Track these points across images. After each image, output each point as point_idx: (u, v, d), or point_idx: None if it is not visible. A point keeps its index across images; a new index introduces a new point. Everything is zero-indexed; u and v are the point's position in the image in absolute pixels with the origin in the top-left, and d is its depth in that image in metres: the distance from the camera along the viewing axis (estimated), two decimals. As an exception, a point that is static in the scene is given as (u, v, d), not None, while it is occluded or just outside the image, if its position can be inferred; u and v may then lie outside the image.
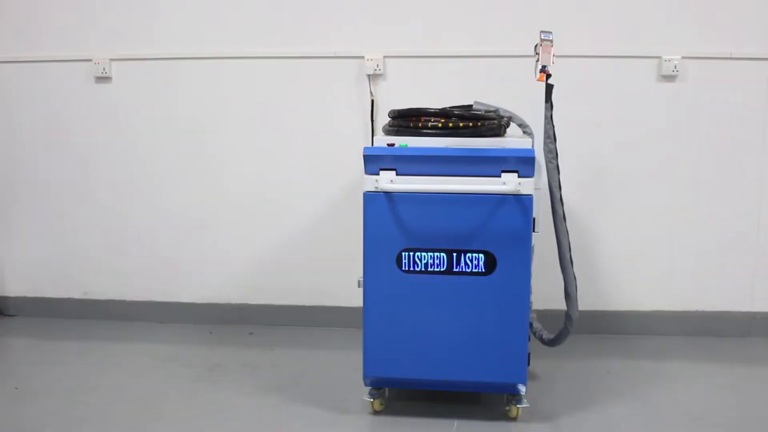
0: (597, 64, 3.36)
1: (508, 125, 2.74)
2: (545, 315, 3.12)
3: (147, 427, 2.61)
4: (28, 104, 3.65)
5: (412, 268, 2.53)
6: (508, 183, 2.45)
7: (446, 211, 2.49)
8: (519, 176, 2.45)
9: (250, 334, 3.58)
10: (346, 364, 3.11)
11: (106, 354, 3.33)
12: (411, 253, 2.52)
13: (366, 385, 2.67)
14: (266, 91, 3.52)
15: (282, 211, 3.60)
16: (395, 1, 3.42)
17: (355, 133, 3.47)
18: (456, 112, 2.60)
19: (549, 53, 2.53)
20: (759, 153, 3.39)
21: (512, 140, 2.62)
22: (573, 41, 3.23)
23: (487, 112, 2.66)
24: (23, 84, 3.64)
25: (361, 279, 2.57)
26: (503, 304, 2.52)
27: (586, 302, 3.00)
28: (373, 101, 3.44)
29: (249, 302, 3.68)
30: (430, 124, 2.58)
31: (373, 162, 2.50)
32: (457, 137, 2.56)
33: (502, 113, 2.67)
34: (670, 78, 3.36)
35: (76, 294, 3.78)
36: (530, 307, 2.63)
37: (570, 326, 2.70)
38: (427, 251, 2.52)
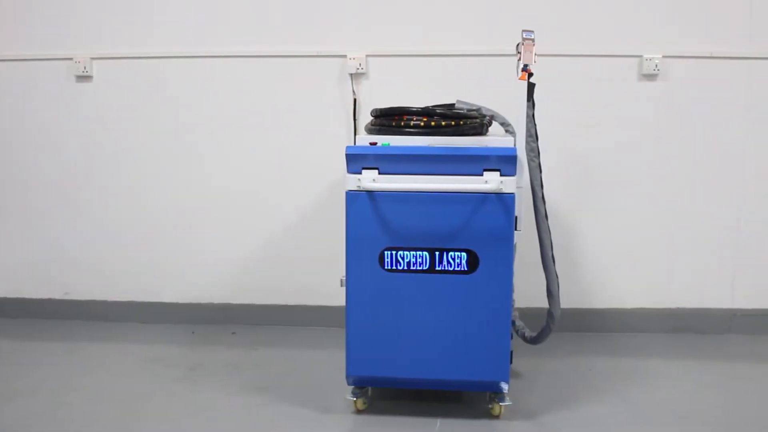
0: (578, 63, 3.37)
1: (490, 124, 2.75)
2: (527, 313, 3.14)
3: (131, 428, 2.60)
4: (7, 103, 3.62)
5: (394, 267, 2.53)
6: (490, 182, 2.46)
7: (428, 209, 2.49)
8: (501, 175, 2.45)
9: (233, 333, 3.57)
10: (329, 363, 3.11)
11: (89, 355, 3.30)
12: (393, 252, 2.52)
13: (349, 384, 2.67)
14: (249, 91, 3.50)
15: (265, 210, 3.59)
16: (378, 0, 3.42)
17: (338, 132, 3.47)
18: (438, 111, 2.60)
19: (531, 52, 2.54)
20: (739, 151, 3.42)
21: (494, 139, 2.62)
22: (555, 40, 3.24)
23: (469, 110, 2.66)
24: (2, 82, 3.60)
25: (344, 278, 2.57)
26: (486, 302, 2.52)
27: (568, 300, 3.01)
28: (355, 100, 3.44)
29: (232, 302, 3.66)
30: (412, 123, 2.58)
31: (356, 161, 2.50)
32: (439, 136, 2.56)
33: (484, 112, 2.68)
34: (651, 77, 3.38)
35: (58, 294, 3.75)
36: (512, 305, 2.64)
37: (552, 324, 2.71)
38: (409, 250, 2.52)
